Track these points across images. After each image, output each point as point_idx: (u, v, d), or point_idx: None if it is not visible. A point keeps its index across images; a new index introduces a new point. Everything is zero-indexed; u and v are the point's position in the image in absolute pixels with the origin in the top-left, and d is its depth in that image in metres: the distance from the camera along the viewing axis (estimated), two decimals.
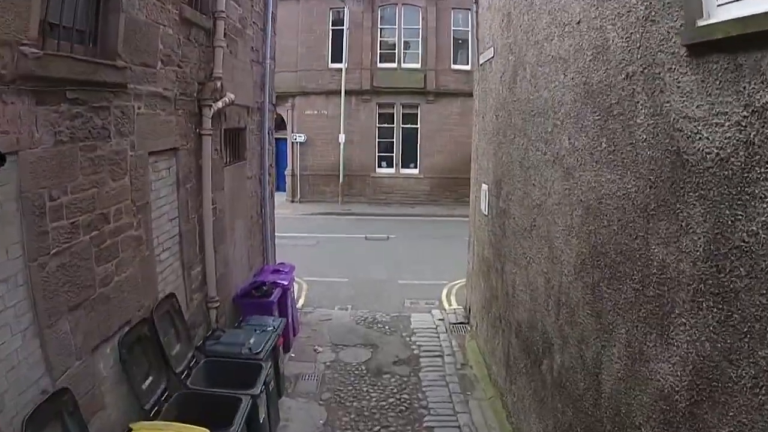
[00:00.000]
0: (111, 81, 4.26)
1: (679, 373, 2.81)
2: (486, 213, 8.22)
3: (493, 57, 7.83)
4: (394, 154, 22.93)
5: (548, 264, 5.12)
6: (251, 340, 6.17)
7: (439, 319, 10.12)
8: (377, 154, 22.99)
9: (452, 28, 22.73)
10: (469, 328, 9.63)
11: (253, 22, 8.60)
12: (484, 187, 8.35)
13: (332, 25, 22.81)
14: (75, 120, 3.83)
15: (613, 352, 3.61)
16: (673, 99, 2.89)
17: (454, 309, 10.70)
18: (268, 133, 9.34)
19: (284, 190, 24.02)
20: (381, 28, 22.82)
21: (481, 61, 8.88)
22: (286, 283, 8.30)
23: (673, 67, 2.88)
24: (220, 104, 6.71)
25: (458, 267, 13.66)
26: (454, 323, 9.93)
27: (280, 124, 24.27)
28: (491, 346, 7.83)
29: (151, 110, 5.21)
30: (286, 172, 23.52)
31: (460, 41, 22.87)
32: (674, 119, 2.88)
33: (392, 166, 23.03)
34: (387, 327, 9.62)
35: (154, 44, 5.13)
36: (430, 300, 11.34)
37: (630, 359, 3.37)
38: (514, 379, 6.28)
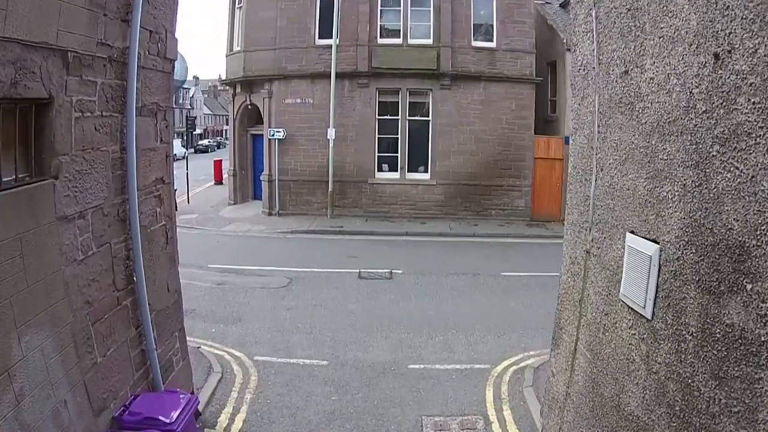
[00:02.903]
0: None
1: None
2: (646, 312, 3.35)
3: None
4: (398, 155, 17.90)
5: None
6: None
7: None
8: (377, 154, 17.97)
9: None
10: None
11: None
12: (635, 242, 3.50)
13: None
14: None
15: None
16: None
17: None
18: (141, 115, 4.39)
19: (261, 199, 19.09)
20: None
21: None
22: None
23: None
24: None
25: (501, 327, 9.04)
26: None
27: (256, 116, 19.36)
28: None
29: None
30: (262, 177, 18.59)
31: (482, 12, 17.88)
32: None
33: (396, 170, 18.01)
34: None
35: None
36: (468, 417, 6.38)
37: None
38: None
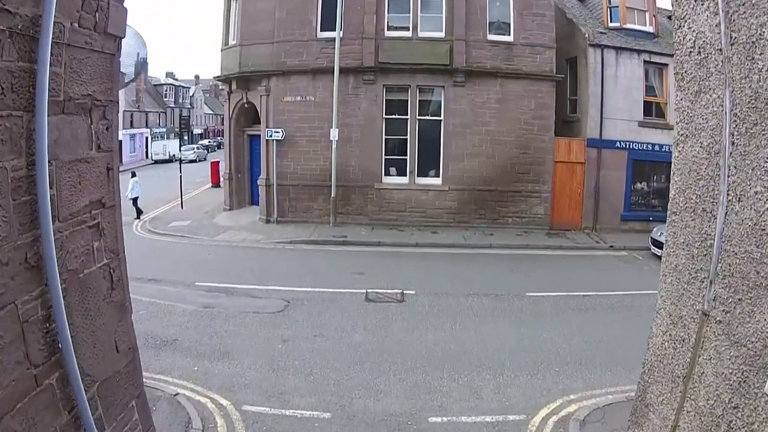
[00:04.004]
0: None
1: None
2: None
3: None
4: (407, 158, 16.54)
5: None
6: None
7: None
8: (384, 156, 16.60)
9: None
10: None
11: None
12: None
13: None
14: None
15: None
16: None
17: None
18: (64, 112, 3.06)
19: (258, 205, 17.73)
20: None
21: None
22: None
23: None
24: None
25: (533, 363, 7.84)
26: None
27: (253, 115, 18.05)
28: None
29: None
30: (259, 182, 17.24)
31: (498, 3, 16.50)
32: None
33: (405, 174, 16.63)
34: None
35: None
36: None
37: None
38: None
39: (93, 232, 3.46)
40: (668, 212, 3.54)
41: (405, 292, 10.47)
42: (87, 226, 3.39)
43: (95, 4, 3.23)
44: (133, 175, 19.15)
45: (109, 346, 3.86)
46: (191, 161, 35.71)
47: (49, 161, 2.89)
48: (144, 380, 6.75)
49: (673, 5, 3.42)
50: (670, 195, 3.53)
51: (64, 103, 3.06)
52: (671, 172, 3.48)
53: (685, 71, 3.33)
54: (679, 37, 3.38)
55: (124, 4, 3.43)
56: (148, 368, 7.38)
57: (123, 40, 3.82)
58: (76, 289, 3.38)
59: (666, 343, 3.60)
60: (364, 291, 10.42)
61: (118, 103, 3.46)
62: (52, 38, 2.79)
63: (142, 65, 3.99)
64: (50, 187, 2.93)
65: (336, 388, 6.94)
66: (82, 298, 3.46)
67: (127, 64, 3.89)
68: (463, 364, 7.77)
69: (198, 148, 46.97)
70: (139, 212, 18.46)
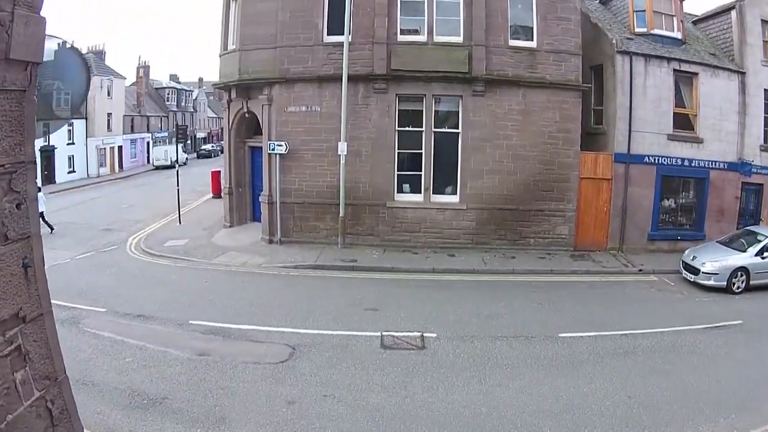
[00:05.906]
0: None
1: None
2: None
3: None
4: (422, 174, 15.25)
5: None
6: None
7: None
8: (396, 172, 15.32)
9: None
10: None
11: None
12: None
13: None
14: None
15: None
16: None
17: None
18: None
19: (261, 221, 16.49)
20: None
21: None
22: None
23: None
24: None
25: (575, 429, 6.62)
26: None
27: (255, 126, 16.85)
28: None
29: None
30: (261, 199, 16.01)
31: (519, 5, 15.27)
32: None
33: (419, 192, 15.34)
34: None
35: None
36: None
37: None
38: None
39: (13, 360, 2.25)
40: None
41: (425, 335, 9.21)
42: (1, 357, 2.19)
43: None
44: (38, 189, 18.04)
45: None
46: None
47: None
48: None
49: None
50: None
51: None
52: None
53: None
54: None
55: (41, 12, 2.18)
56: None
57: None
58: None
59: None
60: (379, 334, 9.15)
61: (34, 162, 2.23)
62: None
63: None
64: None
65: None
66: None
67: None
68: None
69: None
70: (51, 227, 17.57)
